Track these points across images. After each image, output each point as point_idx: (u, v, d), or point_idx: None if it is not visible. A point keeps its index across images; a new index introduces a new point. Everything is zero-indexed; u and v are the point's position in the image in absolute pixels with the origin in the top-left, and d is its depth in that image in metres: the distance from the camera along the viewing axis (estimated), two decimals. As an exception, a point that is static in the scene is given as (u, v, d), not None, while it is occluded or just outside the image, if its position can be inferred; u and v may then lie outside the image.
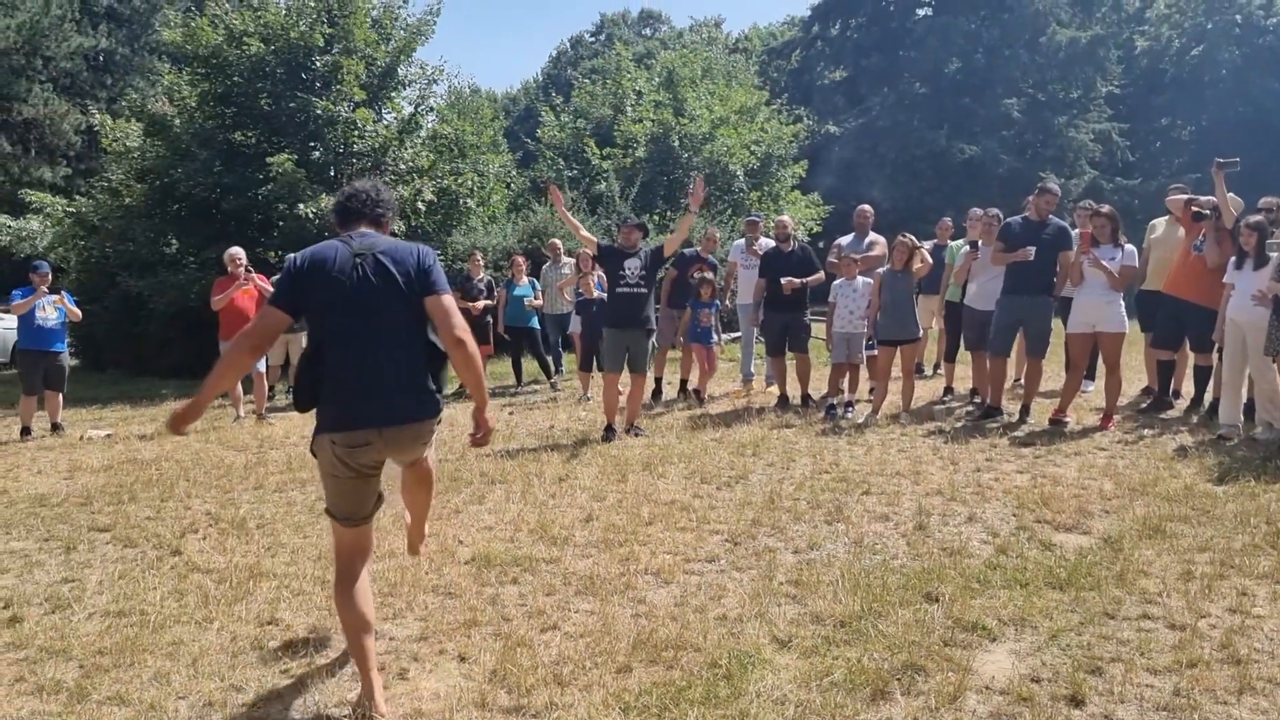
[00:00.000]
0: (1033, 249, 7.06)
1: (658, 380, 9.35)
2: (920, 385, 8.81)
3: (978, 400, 8.02)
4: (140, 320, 13.57)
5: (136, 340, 13.94)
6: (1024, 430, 7.02)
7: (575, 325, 10.56)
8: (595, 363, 9.49)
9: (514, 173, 17.61)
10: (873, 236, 9.08)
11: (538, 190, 19.71)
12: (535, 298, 10.68)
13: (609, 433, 7.30)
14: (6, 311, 12.10)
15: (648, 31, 53.21)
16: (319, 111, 13.54)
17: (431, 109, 16.29)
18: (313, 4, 14.19)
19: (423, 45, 15.34)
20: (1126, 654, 3.24)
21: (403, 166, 14.46)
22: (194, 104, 14.20)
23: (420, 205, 14.03)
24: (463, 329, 3.04)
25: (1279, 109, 31.24)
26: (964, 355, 8.42)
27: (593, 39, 53.18)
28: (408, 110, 15.59)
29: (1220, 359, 6.98)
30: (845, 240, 9.16)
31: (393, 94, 15.42)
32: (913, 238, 7.78)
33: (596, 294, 9.59)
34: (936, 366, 10.08)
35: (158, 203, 14.03)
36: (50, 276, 8.84)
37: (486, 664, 3.31)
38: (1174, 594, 3.75)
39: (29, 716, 3.05)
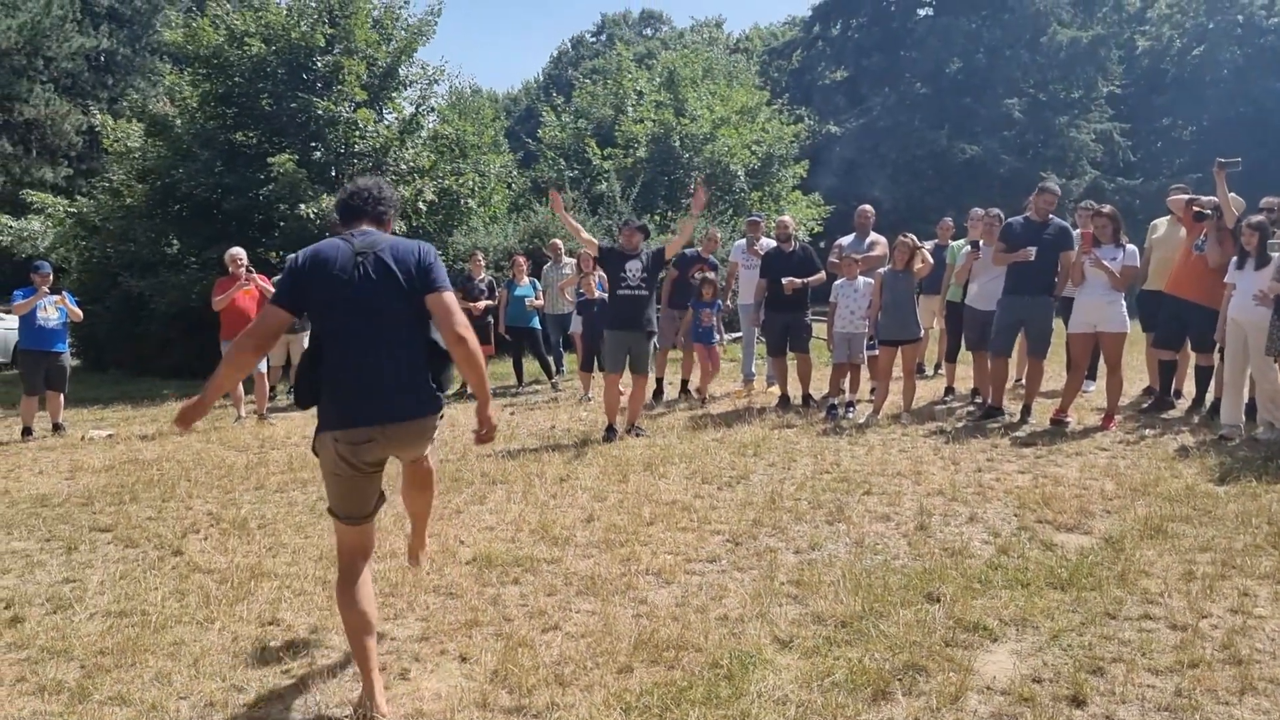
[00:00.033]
0: (1034, 249, 7.06)
1: (659, 381, 9.35)
2: (921, 385, 8.82)
3: (979, 400, 8.02)
4: (141, 320, 13.57)
5: (138, 340, 13.94)
6: (1025, 430, 7.02)
7: (576, 325, 10.56)
8: (596, 363, 9.49)
9: (515, 173, 17.61)
10: (874, 236, 9.08)
11: (539, 190, 19.71)
12: (536, 298, 10.69)
13: (610, 433, 7.30)
14: (8, 312, 12.11)
15: (649, 32, 53.23)
16: (320, 112, 13.54)
17: (432, 109, 16.30)
18: (314, 4, 14.20)
19: (424, 45, 15.38)
20: (1128, 654, 3.24)
21: (404, 167, 14.46)
22: (195, 104, 14.20)
23: (421, 205, 14.03)
24: (464, 326, 3.04)
25: (1280, 109, 31.25)
26: (965, 355, 8.42)
27: (594, 39, 53.22)
28: (409, 110, 15.59)
29: (1222, 359, 6.97)
30: (846, 240, 9.16)
31: (394, 94, 15.43)
32: (914, 238, 7.78)
33: (598, 294, 9.59)
34: (938, 366, 10.08)
35: (159, 203, 14.03)
36: (51, 277, 8.84)
37: (488, 664, 3.31)
38: (1175, 594, 3.75)
39: (31, 717, 3.06)
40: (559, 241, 11.61)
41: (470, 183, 15.04)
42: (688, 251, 9.38)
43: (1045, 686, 3.03)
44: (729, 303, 9.93)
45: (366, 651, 3.00)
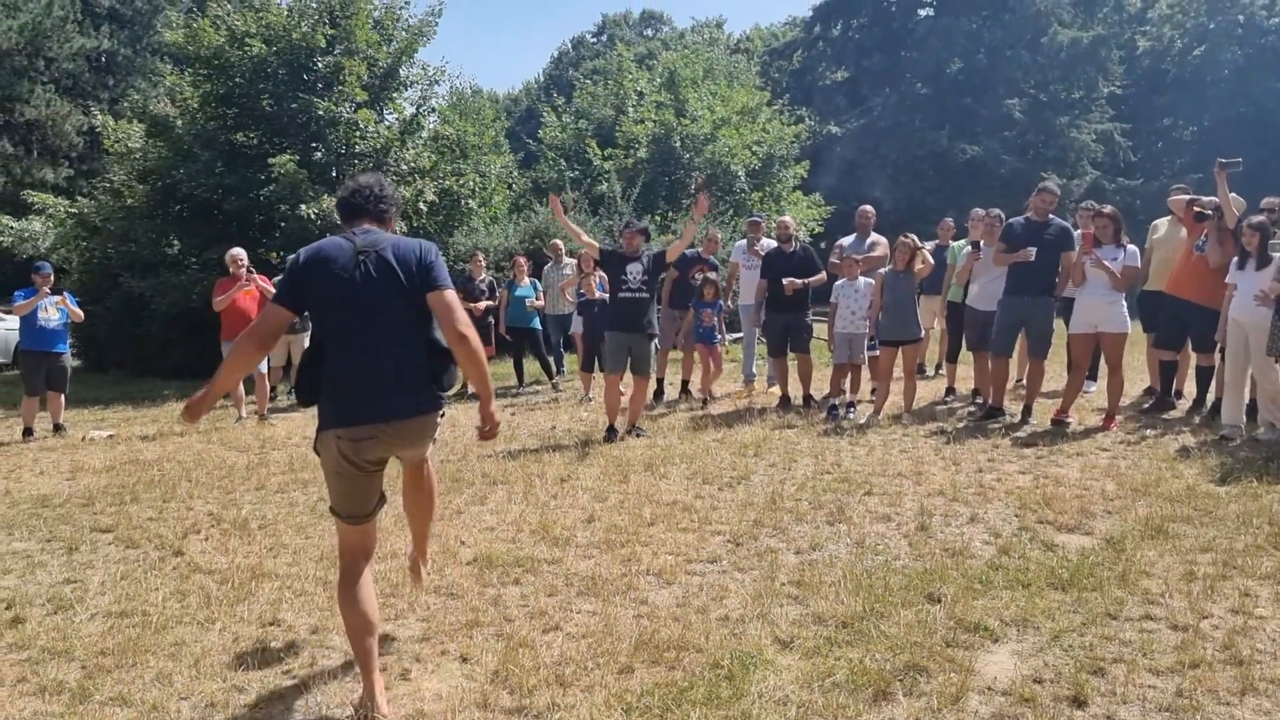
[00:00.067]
0: (1034, 249, 7.06)
1: (659, 381, 9.35)
2: (922, 386, 8.81)
3: (979, 401, 8.02)
4: (142, 321, 13.58)
5: (138, 341, 13.95)
6: (1026, 431, 7.01)
7: (577, 326, 10.56)
8: (597, 363, 9.49)
9: (515, 173, 17.60)
10: (874, 237, 9.07)
11: (539, 191, 19.72)
12: (537, 298, 10.69)
13: (611, 433, 7.30)
14: (9, 312, 12.11)
15: (649, 32, 53.26)
16: (321, 112, 13.55)
17: (433, 110, 16.31)
18: (314, 5, 14.20)
19: (424, 46, 15.37)
20: (1129, 655, 3.23)
21: (404, 167, 14.47)
22: (196, 105, 14.21)
23: (422, 206, 14.04)
24: (465, 324, 3.04)
25: (1281, 109, 31.25)
26: (966, 356, 8.41)
27: (594, 40, 53.25)
28: (409, 111, 15.60)
29: (1222, 359, 6.97)
30: (847, 241, 9.16)
31: (394, 95, 15.43)
32: (914, 238, 7.78)
33: (598, 294, 9.59)
34: (938, 367, 10.08)
35: (160, 204, 14.03)
36: (52, 277, 8.84)
37: (488, 665, 3.31)
38: (1176, 595, 3.75)
39: (31, 717, 3.06)
40: (559, 242, 11.61)
41: (471, 183, 15.05)
42: (688, 252, 9.37)
43: (1046, 687, 3.03)
44: (730, 303, 9.94)
45: (367, 652, 3.00)
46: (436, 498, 3.66)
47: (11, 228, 16.99)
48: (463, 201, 15.02)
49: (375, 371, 3.02)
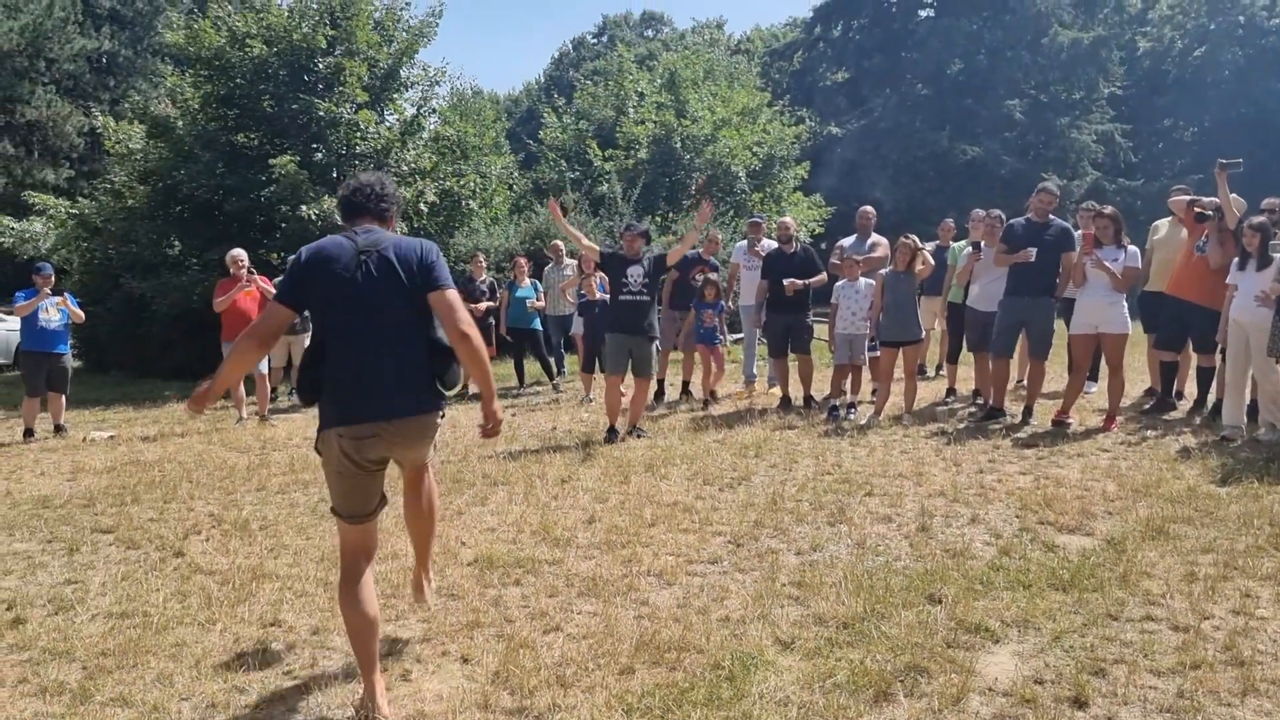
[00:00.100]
0: (1034, 250, 7.06)
1: (660, 382, 9.34)
2: (922, 386, 8.81)
3: (980, 401, 8.01)
4: (143, 322, 13.58)
5: (139, 342, 13.95)
6: (1027, 431, 7.01)
7: (577, 326, 10.56)
8: (597, 364, 9.49)
9: (516, 174, 17.59)
10: (875, 238, 9.07)
11: (540, 192, 19.71)
12: (538, 299, 10.69)
13: (611, 434, 7.30)
14: (9, 313, 12.11)
15: (650, 33, 53.27)
16: (321, 113, 13.55)
17: (434, 110, 16.28)
18: (315, 6, 14.20)
19: (425, 47, 15.36)
20: (1130, 655, 3.23)
21: (405, 168, 14.47)
22: (196, 106, 14.21)
23: (423, 207, 14.04)
24: (468, 323, 3.05)
25: (1282, 109, 31.24)
26: (966, 356, 8.41)
27: (595, 40, 53.26)
28: (410, 112, 15.59)
29: (1223, 360, 6.97)
30: (847, 242, 9.16)
31: (395, 95, 15.43)
32: (915, 239, 7.79)
33: (599, 295, 9.60)
34: (939, 368, 10.08)
35: (160, 204, 14.04)
36: (53, 278, 8.84)
37: (489, 665, 3.31)
38: (1177, 595, 3.75)
39: (32, 718, 3.06)
40: (560, 243, 11.61)
41: (472, 184, 15.05)
42: (689, 253, 9.37)
43: (1047, 688, 3.03)
44: (731, 304, 9.94)
45: (368, 652, 3.00)
46: (437, 515, 3.58)
47: (12, 229, 16.97)
48: (463, 202, 15.02)
49: (376, 370, 3.03)
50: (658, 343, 7.87)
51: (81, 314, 9.10)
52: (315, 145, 13.96)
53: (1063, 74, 34.48)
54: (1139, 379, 8.62)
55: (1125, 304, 6.96)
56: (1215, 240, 6.98)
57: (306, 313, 3.17)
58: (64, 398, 8.89)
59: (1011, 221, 7.55)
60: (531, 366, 11.24)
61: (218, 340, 8.98)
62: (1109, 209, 7.28)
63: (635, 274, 7.32)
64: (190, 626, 3.75)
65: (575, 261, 10.68)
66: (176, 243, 13.77)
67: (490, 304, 10.57)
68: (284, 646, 3.56)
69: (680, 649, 3.37)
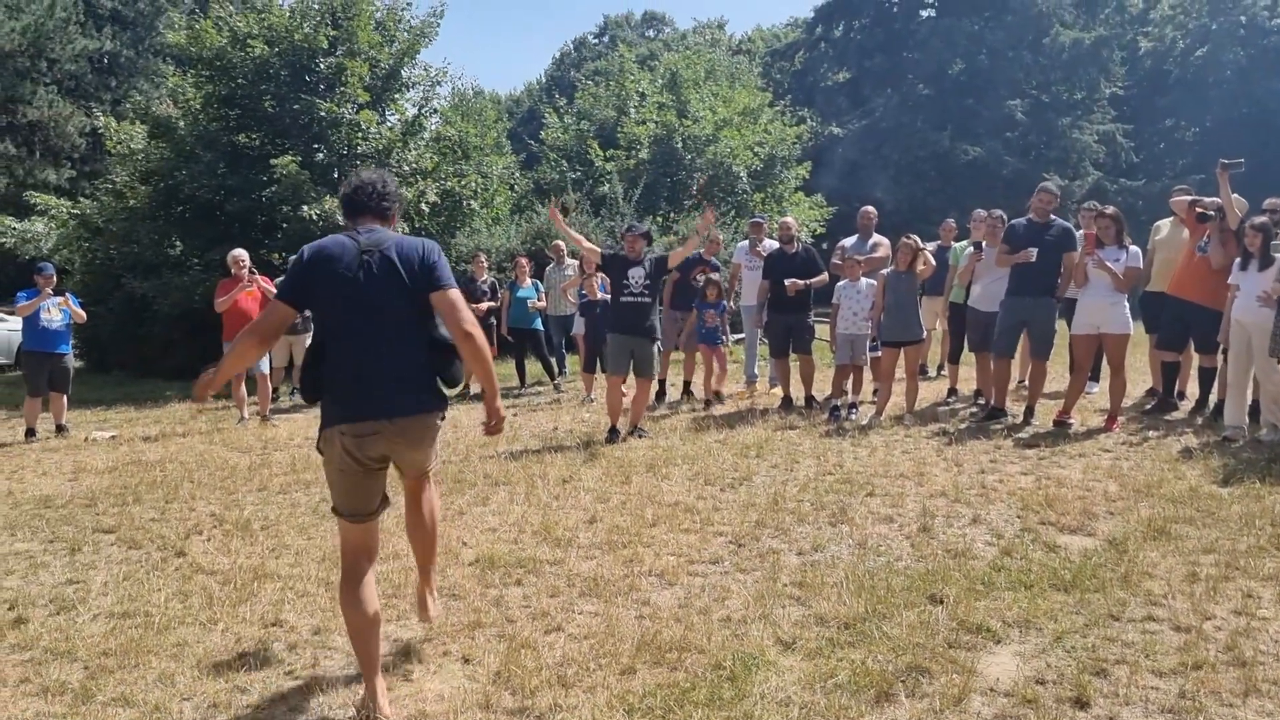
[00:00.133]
0: (1035, 250, 7.06)
1: (661, 382, 9.34)
2: (924, 387, 8.81)
3: (981, 402, 8.01)
4: (144, 322, 13.59)
5: (141, 342, 13.96)
6: (1028, 432, 7.01)
7: (579, 327, 10.56)
8: (599, 364, 9.50)
9: (517, 174, 17.58)
10: (876, 238, 9.07)
11: (541, 192, 19.70)
12: (539, 299, 10.69)
13: (613, 434, 7.31)
14: (11, 313, 12.12)
15: (651, 33, 53.27)
16: (323, 113, 13.56)
17: (435, 111, 16.29)
18: (316, 6, 14.21)
19: (426, 47, 15.36)
20: (1131, 656, 3.23)
21: (406, 168, 14.47)
22: (198, 106, 14.22)
23: (424, 207, 14.05)
24: (470, 323, 3.05)
25: (1283, 110, 31.20)
26: (968, 356, 8.41)
27: (596, 40, 53.25)
28: (411, 112, 15.60)
29: (1225, 360, 6.97)
30: (849, 242, 9.16)
31: (396, 96, 15.43)
32: (916, 239, 7.78)
33: (600, 295, 9.60)
34: (940, 368, 10.08)
35: (162, 205, 14.05)
36: (55, 278, 8.85)
37: (490, 665, 3.31)
38: (1179, 596, 3.74)
39: (34, 718, 3.06)
40: (561, 243, 11.61)
41: (473, 184, 15.06)
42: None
43: (1049, 688, 3.03)
44: (732, 304, 9.94)
45: (369, 652, 3.00)
46: (437, 530, 3.55)
47: (14, 229, 16.99)
48: (465, 202, 15.02)
49: (377, 369, 3.03)
50: (659, 343, 7.88)
51: (83, 314, 9.11)
52: (316, 145, 13.97)
53: (1064, 74, 34.46)
54: (1140, 379, 8.62)
55: (1127, 304, 6.95)
56: (1217, 240, 6.97)
57: (308, 313, 3.18)
58: (66, 398, 8.90)
59: (1013, 222, 7.55)
60: (533, 366, 11.25)
61: (219, 340, 8.97)
62: (1110, 209, 7.28)
63: (637, 275, 7.32)
64: (192, 626, 3.76)
65: (576, 262, 10.68)
66: (178, 243, 13.78)
67: (491, 304, 10.58)
68: (285, 646, 3.56)
69: (681, 649, 3.37)
